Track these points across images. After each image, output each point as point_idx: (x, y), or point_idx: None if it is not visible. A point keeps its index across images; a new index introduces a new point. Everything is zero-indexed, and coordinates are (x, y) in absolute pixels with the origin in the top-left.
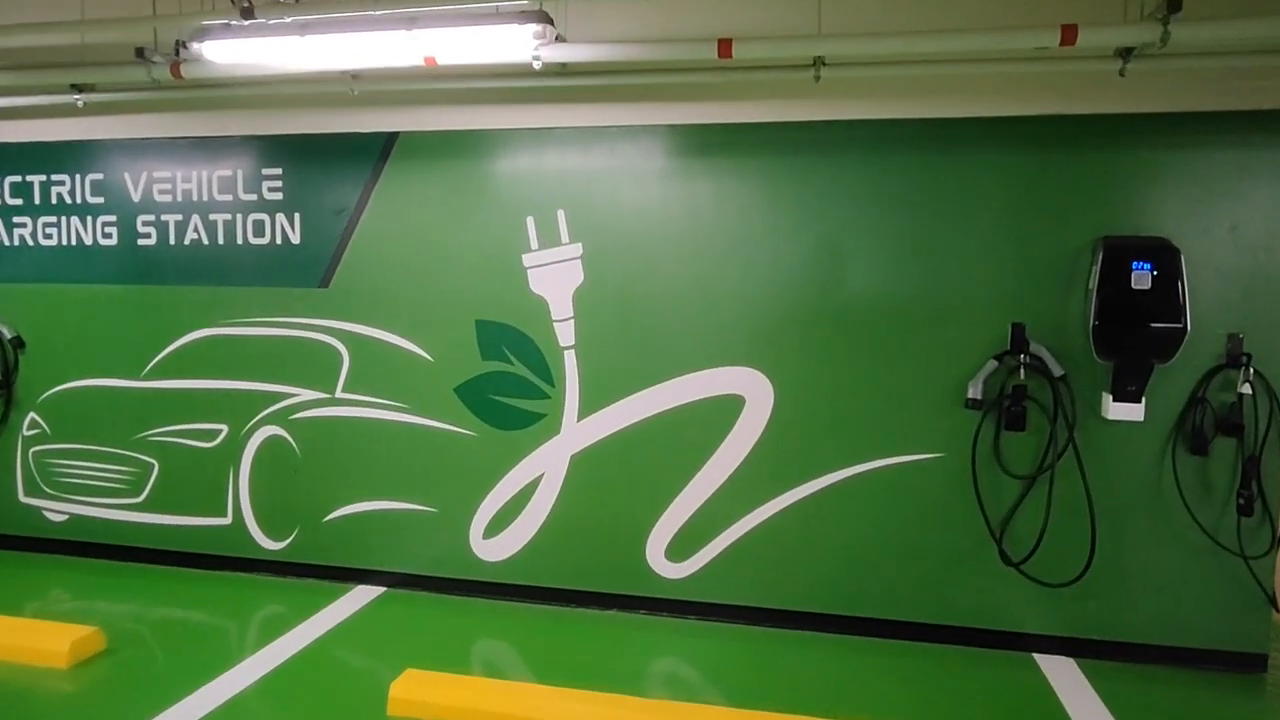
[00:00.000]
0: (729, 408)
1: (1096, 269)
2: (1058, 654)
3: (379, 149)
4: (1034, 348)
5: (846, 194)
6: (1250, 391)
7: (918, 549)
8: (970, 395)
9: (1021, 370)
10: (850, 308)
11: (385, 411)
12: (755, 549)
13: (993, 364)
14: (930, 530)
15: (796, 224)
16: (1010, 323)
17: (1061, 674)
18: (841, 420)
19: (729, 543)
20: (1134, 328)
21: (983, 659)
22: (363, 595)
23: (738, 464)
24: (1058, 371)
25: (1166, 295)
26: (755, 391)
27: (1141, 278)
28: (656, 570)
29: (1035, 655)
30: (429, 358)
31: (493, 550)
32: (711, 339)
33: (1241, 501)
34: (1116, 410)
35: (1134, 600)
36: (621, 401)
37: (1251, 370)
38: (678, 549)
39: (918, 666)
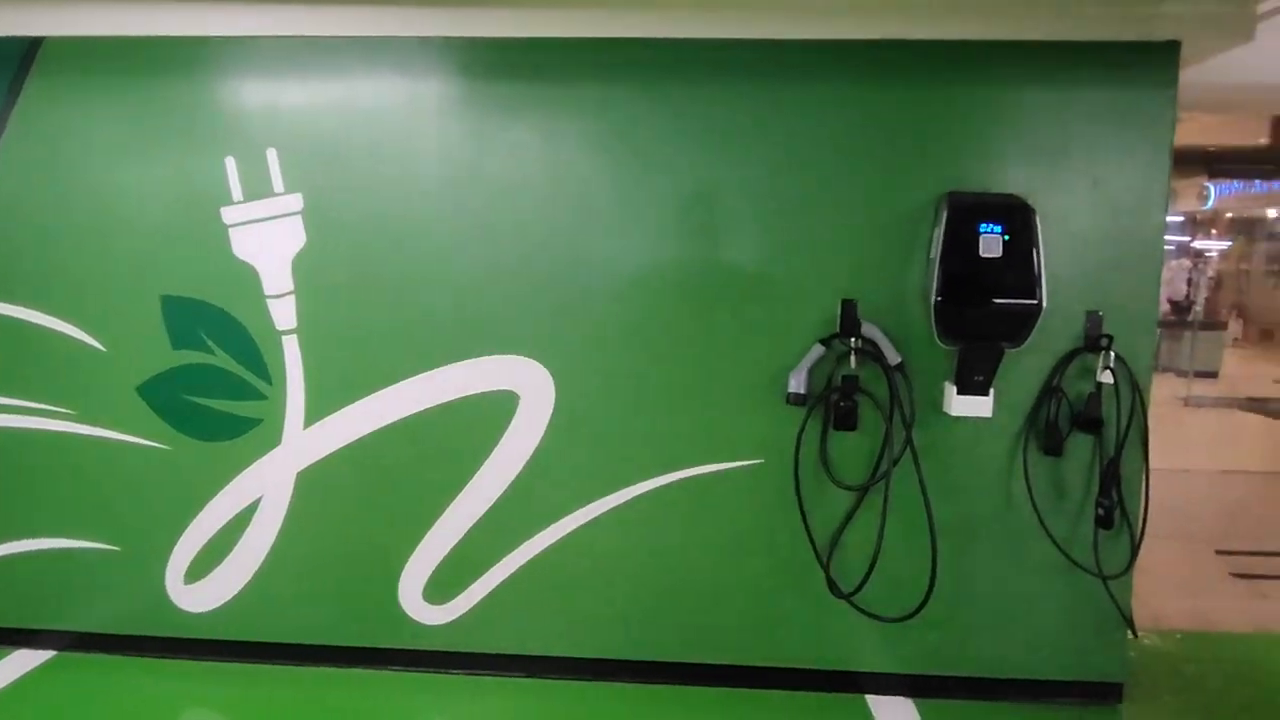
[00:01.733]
0: (500, 408)
1: (939, 233)
2: (895, 694)
3: (15, 60)
4: (867, 329)
5: (644, 136)
6: (1110, 380)
7: (733, 578)
8: (792, 389)
9: (852, 357)
10: (648, 283)
11: (40, 420)
12: (537, 583)
13: (819, 350)
14: (747, 555)
15: (582, 178)
16: (840, 299)
17: (895, 715)
18: (639, 421)
19: (504, 577)
20: (982, 305)
21: (807, 704)
22: (23, 662)
23: (513, 478)
24: (894, 359)
25: (1019, 265)
26: (532, 387)
27: (991, 243)
28: (412, 615)
29: (869, 697)
30: (99, 346)
31: (198, 598)
32: (475, 321)
33: (1101, 512)
34: (961, 404)
35: (981, 629)
36: (361, 402)
37: (1112, 355)
38: (439, 588)
39: (731, 717)
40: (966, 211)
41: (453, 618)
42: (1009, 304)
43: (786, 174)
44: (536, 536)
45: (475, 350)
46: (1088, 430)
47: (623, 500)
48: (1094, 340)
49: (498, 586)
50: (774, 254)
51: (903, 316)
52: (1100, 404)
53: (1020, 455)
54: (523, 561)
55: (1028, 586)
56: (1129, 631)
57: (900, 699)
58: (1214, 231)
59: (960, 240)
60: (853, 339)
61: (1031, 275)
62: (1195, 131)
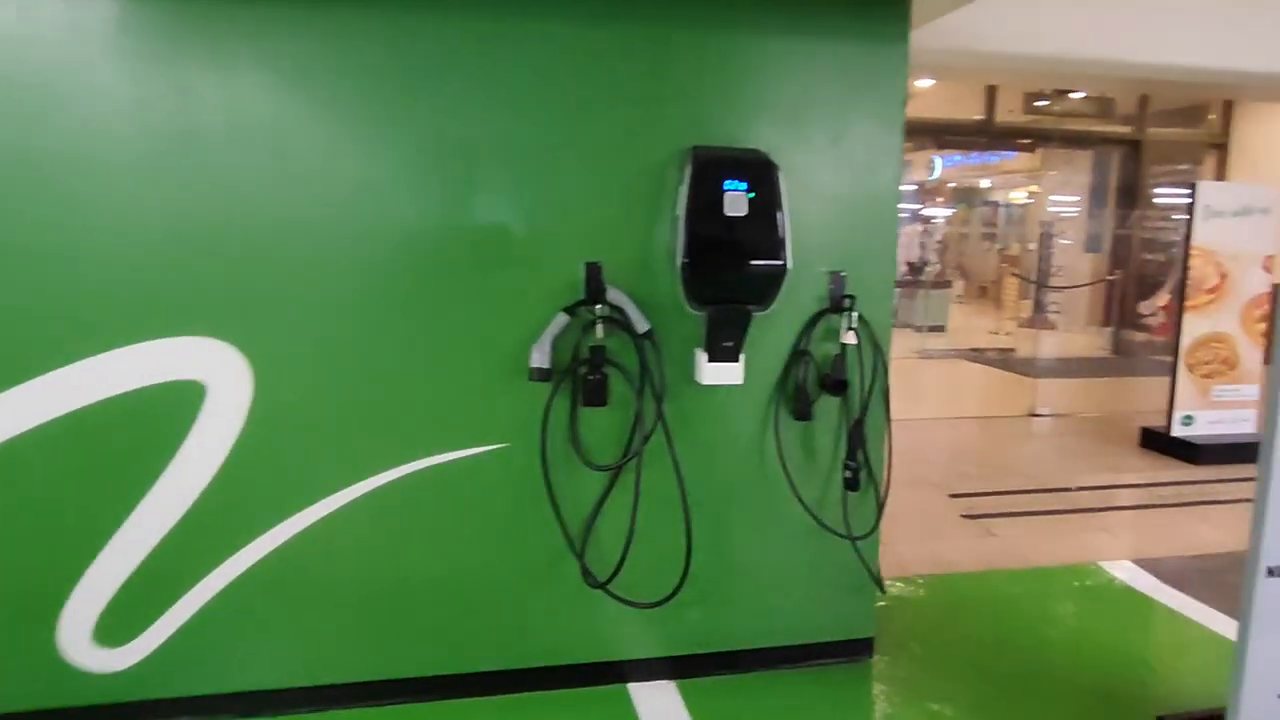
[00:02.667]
0: (182, 401)
1: (685, 189)
2: (658, 679)
3: None
4: (613, 295)
5: (353, 76)
6: (854, 341)
7: (482, 576)
8: (534, 364)
9: (599, 326)
10: (372, 248)
11: None
12: (247, 606)
13: (563, 319)
14: (496, 549)
15: (286, 127)
16: (584, 263)
17: (656, 703)
18: (363, 409)
19: (202, 602)
20: (729, 266)
21: (567, 703)
22: None
23: (205, 485)
24: (642, 326)
25: (765, 224)
26: (222, 375)
27: (736, 201)
28: (78, 662)
29: (631, 685)
30: None
31: None
32: (147, 295)
33: (848, 475)
34: (712, 372)
35: (740, 601)
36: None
37: (855, 315)
38: (115, 627)
39: None
40: (711, 167)
41: (135, 660)
42: (756, 265)
43: (527, 125)
44: (242, 551)
45: (147, 331)
46: (834, 392)
47: (347, 500)
48: (838, 301)
49: (195, 615)
50: (516, 214)
51: (651, 280)
52: (845, 365)
53: (772, 421)
54: (226, 582)
55: (783, 553)
56: (878, 589)
57: (663, 683)
58: (939, 200)
59: (705, 198)
60: (598, 306)
61: (777, 235)
62: (924, 107)
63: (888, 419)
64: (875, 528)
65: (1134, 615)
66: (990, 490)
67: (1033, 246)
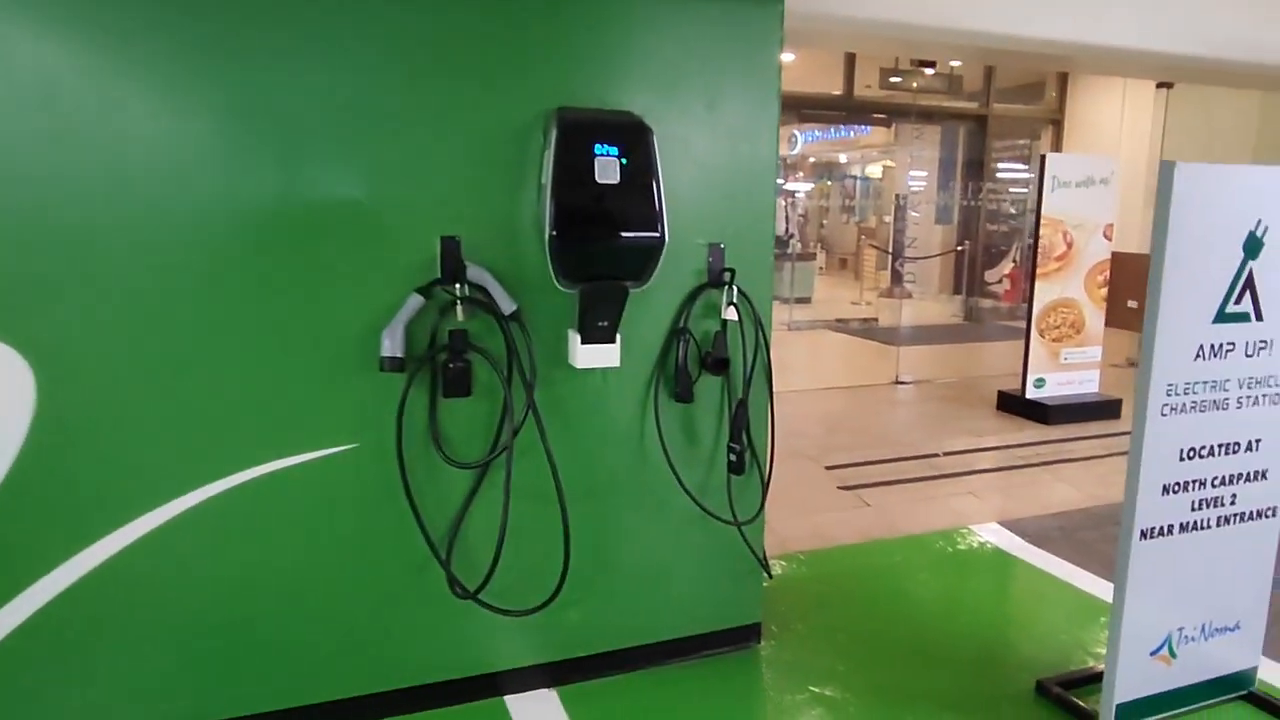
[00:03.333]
0: None
1: (550, 155)
2: (539, 688)
3: None
4: (474, 273)
5: (144, 23)
6: (735, 316)
7: (331, 595)
8: (385, 352)
9: (459, 308)
10: (189, 225)
11: None
12: (41, 654)
13: (417, 301)
14: (348, 564)
15: (75, 84)
16: (440, 237)
17: (534, 714)
18: (177, 413)
19: None
20: (602, 239)
21: None
22: None
23: None
24: (507, 307)
25: (639, 193)
26: None
27: (608, 167)
28: None
29: (508, 698)
30: None
31: None
32: None
33: (732, 458)
34: (587, 354)
35: (623, 597)
36: None
37: (735, 290)
38: None
39: None
40: (578, 130)
41: None
42: (631, 238)
43: (371, 86)
44: (33, 589)
45: None
46: (716, 372)
47: (165, 519)
48: (717, 275)
49: None
50: (361, 184)
51: (517, 255)
52: (726, 343)
53: (652, 405)
54: (13, 626)
55: (667, 544)
56: (765, 574)
57: (543, 692)
58: (800, 174)
59: (573, 164)
60: (458, 285)
61: (653, 205)
62: (785, 81)
63: (770, 397)
64: (760, 511)
65: (1006, 578)
66: (863, 460)
67: (889, 219)
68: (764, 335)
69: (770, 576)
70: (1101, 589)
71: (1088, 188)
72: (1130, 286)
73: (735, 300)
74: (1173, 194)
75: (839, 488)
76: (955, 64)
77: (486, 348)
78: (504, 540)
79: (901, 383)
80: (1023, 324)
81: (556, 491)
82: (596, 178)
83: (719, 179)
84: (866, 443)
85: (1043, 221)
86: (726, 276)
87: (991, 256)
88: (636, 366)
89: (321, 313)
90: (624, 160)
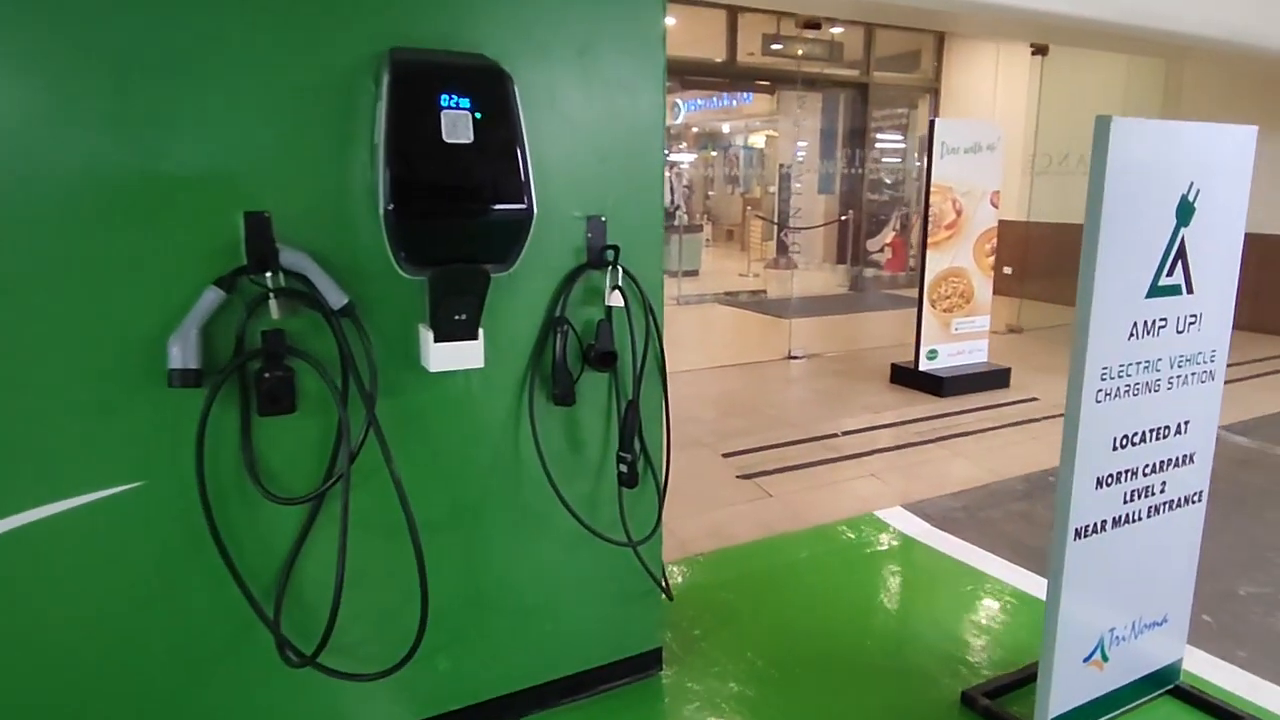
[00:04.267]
0: None
1: (384, 108)
2: None
3: None
4: (291, 258)
5: None
6: (621, 302)
7: (120, 676)
8: (173, 363)
9: (272, 302)
10: None
11: None
12: None
13: (214, 296)
14: (139, 634)
15: None
16: (243, 213)
17: None
18: None
19: None
20: (453, 212)
21: None
22: None
23: None
24: (337, 300)
25: (499, 155)
26: None
27: (457, 123)
28: None
29: None
30: None
31: None
32: None
33: (623, 469)
34: (442, 355)
35: (501, 637)
36: None
37: (620, 271)
38: None
39: None
40: (418, 77)
41: None
42: (491, 211)
43: (159, 19)
44: None
45: None
46: (601, 367)
47: None
48: (598, 254)
49: None
50: (130, 149)
51: (347, 235)
52: (611, 333)
53: (527, 411)
54: None
55: (550, 570)
56: (663, 594)
57: None
58: (684, 145)
59: (413, 120)
60: (269, 274)
61: (517, 169)
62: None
63: (665, 394)
64: (657, 527)
65: (916, 570)
66: (761, 445)
67: (773, 189)
68: (655, 322)
69: (671, 599)
70: (1013, 576)
71: (975, 154)
72: (1010, 255)
73: (620, 283)
74: (1108, 154)
75: (738, 477)
76: (837, 31)
77: (313, 351)
78: (343, 588)
79: (794, 358)
80: (907, 293)
81: (407, 522)
82: (444, 136)
83: (596, 140)
84: (763, 425)
85: (933, 189)
86: (609, 255)
87: (874, 225)
88: (505, 366)
89: (87, 317)
90: (478, 114)
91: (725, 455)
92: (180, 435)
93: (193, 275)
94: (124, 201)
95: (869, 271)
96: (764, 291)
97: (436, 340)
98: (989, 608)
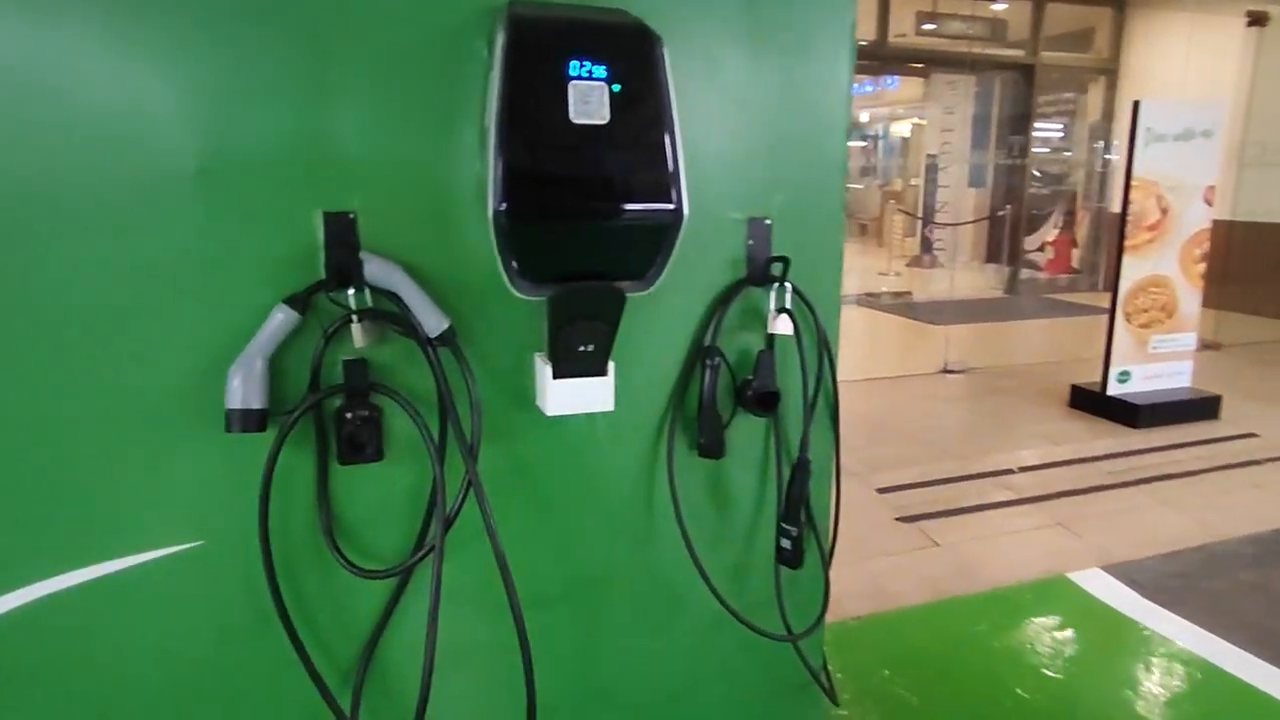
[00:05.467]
0: None
1: (496, 79)
2: None
3: None
4: (378, 270)
5: None
6: (789, 329)
7: None
8: (232, 401)
9: (356, 327)
10: None
11: None
12: None
13: (284, 319)
14: (187, 717)
15: None
16: (321, 213)
17: None
18: None
19: None
20: (584, 214)
21: None
22: None
23: None
24: (435, 325)
25: (642, 140)
26: None
27: (590, 97)
28: None
29: None
30: None
31: None
32: None
33: (785, 545)
34: (561, 395)
35: None
36: None
37: (789, 289)
38: None
39: None
40: (541, 39)
41: None
42: (631, 213)
43: None
44: None
45: None
46: (760, 411)
47: None
48: (761, 267)
49: None
50: (194, 133)
51: (448, 242)
52: (774, 369)
53: (664, 463)
54: None
55: (685, 658)
56: (829, 699)
57: None
58: None
59: (534, 94)
60: (352, 290)
61: (663, 158)
62: None
63: (836, 446)
64: (821, 617)
65: (1128, 657)
66: (921, 480)
67: (916, 181)
68: (830, 356)
69: (836, 702)
70: (1259, 674)
71: (1187, 141)
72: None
73: (789, 305)
74: None
75: (897, 519)
76: (999, 7)
77: (402, 387)
78: (433, 675)
79: (950, 372)
80: (1071, 298)
81: (509, 599)
82: (571, 114)
83: (765, 121)
84: (921, 454)
85: (1134, 183)
86: (776, 269)
87: (1033, 222)
88: (638, 407)
89: (131, 344)
90: (616, 87)
91: (880, 491)
92: (243, 486)
93: (259, 291)
94: (173, 197)
95: (1025, 273)
96: (908, 293)
97: (556, 376)
98: (1221, 706)
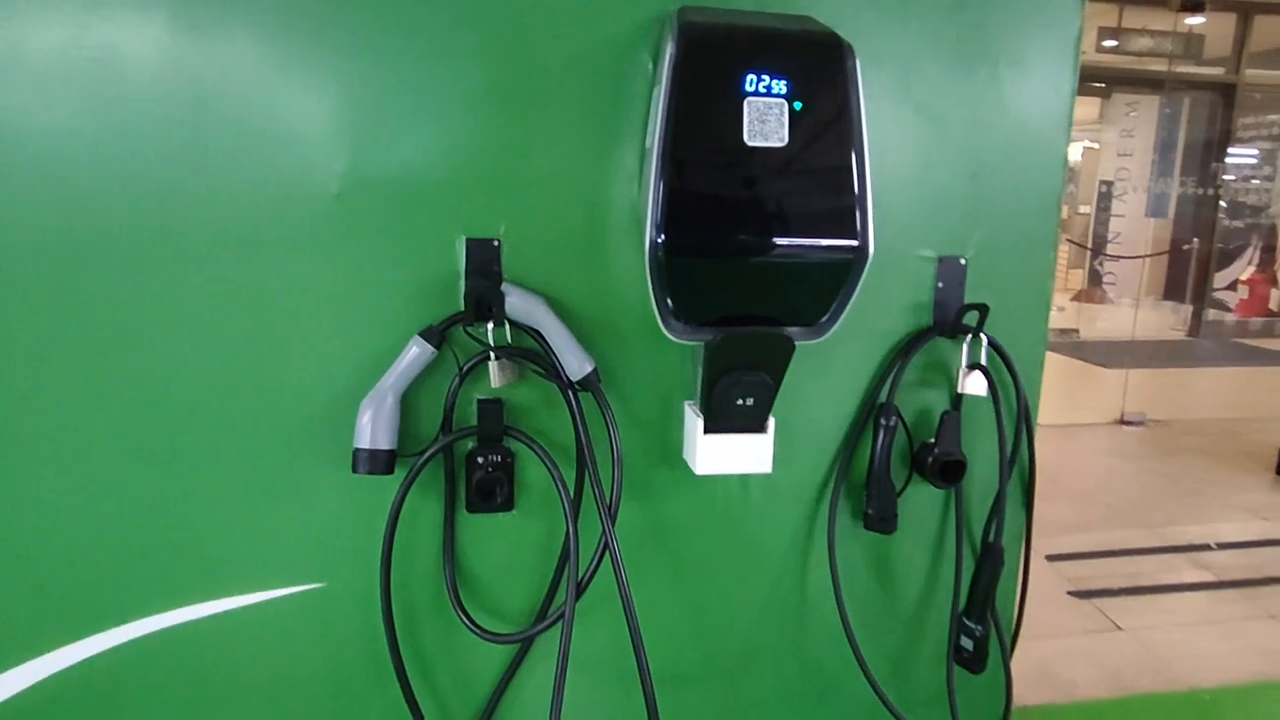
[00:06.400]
0: None
1: (663, 95)
2: None
3: None
4: (521, 304)
5: None
6: (983, 388)
7: None
8: (361, 441)
9: (494, 366)
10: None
11: None
12: None
13: (421, 353)
14: None
15: None
16: (464, 239)
17: None
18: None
19: None
20: (753, 249)
21: None
22: None
23: None
24: (578, 366)
25: (824, 165)
26: None
27: (769, 117)
28: None
29: None
30: None
31: None
32: None
33: (967, 645)
34: (715, 453)
35: None
36: None
37: (985, 343)
38: None
39: None
40: (715, 50)
41: None
42: (808, 249)
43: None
44: None
45: None
46: (942, 482)
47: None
48: (952, 314)
49: None
50: (325, 150)
51: (596, 275)
52: (959, 434)
53: (824, 534)
54: None
55: None
56: None
57: None
58: None
59: (704, 111)
60: (491, 324)
61: (850, 186)
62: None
63: (1028, 532)
64: None
65: None
66: (1098, 549)
67: (1085, 209)
68: (1029, 426)
69: None
70: None
71: None
72: None
73: (984, 360)
74: None
75: (1070, 593)
76: (1195, 21)
77: (537, 435)
78: None
79: (1129, 423)
80: (1270, 344)
81: (640, 675)
82: (745, 136)
83: (967, 144)
84: (1098, 518)
85: None
86: (971, 319)
87: (1224, 257)
88: (799, 468)
89: (256, 376)
90: (798, 104)
91: (1050, 558)
92: (368, 527)
93: (395, 321)
94: (314, 224)
95: (1212, 313)
96: (1075, 330)
97: (708, 431)
98: None
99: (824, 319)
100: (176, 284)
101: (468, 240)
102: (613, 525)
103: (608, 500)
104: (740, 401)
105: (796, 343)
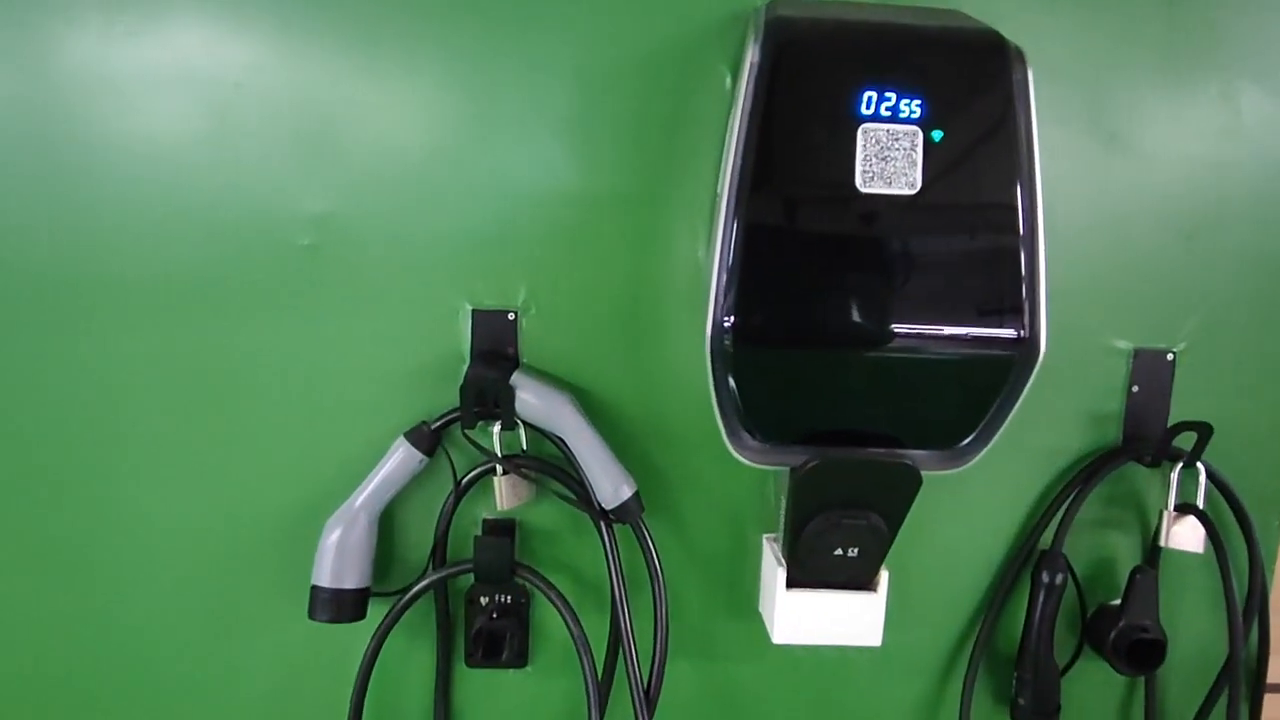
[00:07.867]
0: None
1: (741, 115)
2: None
3: None
4: (536, 401)
5: None
6: (1198, 544)
7: None
8: (322, 578)
9: (500, 482)
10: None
11: None
12: None
13: (405, 460)
14: None
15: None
16: (470, 310)
17: None
18: None
19: None
20: (861, 344)
21: None
22: None
23: None
24: (613, 490)
25: (974, 223)
26: None
27: (892, 151)
28: None
29: None
30: None
31: None
32: None
33: None
34: (797, 616)
35: None
36: None
37: (1203, 475)
38: None
39: None
40: (817, 57)
41: None
42: (949, 342)
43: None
44: None
45: None
46: (1131, 667)
47: None
48: (1156, 434)
49: None
50: (302, 194)
51: (640, 367)
52: (1157, 602)
53: None
54: None
55: None
56: None
57: None
58: None
59: (798, 141)
60: (498, 425)
61: (1012, 254)
62: None
63: None
64: None
65: None
66: None
67: None
68: (1264, 595)
69: None
70: None
71: None
72: None
73: (1201, 503)
74: None
75: None
76: None
77: (560, 573)
78: None
79: None
80: None
81: None
82: (858, 179)
83: (1180, 188)
84: None
85: None
86: (1183, 440)
87: None
88: (919, 635)
89: (212, 475)
90: (937, 134)
91: None
92: (336, 678)
93: (378, 413)
94: (269, 280)
95: None
96: None
97: (792, 585)
98: None
99: (968, 441)
100: (99, 348)
101: (474, 312)
102: (651, 714)
103: (644, 685)
104: (840, 552)
105: (925, 473)
